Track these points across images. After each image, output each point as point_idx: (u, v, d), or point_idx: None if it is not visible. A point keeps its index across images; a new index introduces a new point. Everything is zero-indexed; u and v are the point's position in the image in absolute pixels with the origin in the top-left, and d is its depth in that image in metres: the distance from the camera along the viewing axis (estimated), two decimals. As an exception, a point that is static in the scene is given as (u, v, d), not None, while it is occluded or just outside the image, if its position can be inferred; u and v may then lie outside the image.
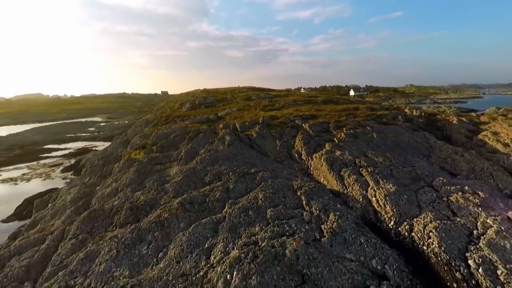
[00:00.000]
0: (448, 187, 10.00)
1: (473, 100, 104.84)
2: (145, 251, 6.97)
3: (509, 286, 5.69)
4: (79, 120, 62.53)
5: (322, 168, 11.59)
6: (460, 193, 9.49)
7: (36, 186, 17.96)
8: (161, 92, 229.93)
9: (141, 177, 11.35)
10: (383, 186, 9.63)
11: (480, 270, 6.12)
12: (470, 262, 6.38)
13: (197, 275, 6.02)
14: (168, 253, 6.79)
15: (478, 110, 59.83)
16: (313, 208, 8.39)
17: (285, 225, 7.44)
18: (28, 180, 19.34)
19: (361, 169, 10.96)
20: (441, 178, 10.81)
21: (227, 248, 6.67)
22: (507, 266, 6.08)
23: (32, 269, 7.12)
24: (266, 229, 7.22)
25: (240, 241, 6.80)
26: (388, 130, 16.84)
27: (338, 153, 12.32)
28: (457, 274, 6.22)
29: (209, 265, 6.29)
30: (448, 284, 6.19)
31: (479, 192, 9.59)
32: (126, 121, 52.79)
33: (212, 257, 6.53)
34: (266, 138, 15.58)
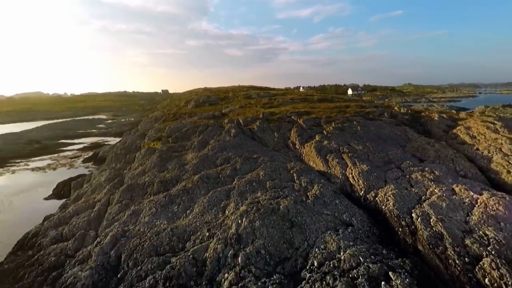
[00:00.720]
0: (412, 168, 12.49)
1: (468, 99, 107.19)
2: (176, 209, 9.42)
3: (435, 227, 8.14)
4: (87, 117, 64.93)
5: (311, 154, 14.06)
6: (420, 172, 11.98)
7: (63, 173, 20.38)
8: (162, 90, 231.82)
9: (163, 161, 13.80)
10: (358, 166, 12.11)
11: (419, 219, 8.60)
12: (413, 215, 8.87)
13: (217, 222, 8.48)
14: (194, 210, 9.25)
15: (469, 108, 62.29)
16: (302, 182, 10.86)
17: (280, 192, 9.90)
18: (55, 168, 21.78)
19: (343, 154, 13.45)
20: (409, 162, 13.29)
21: (237, 206, 9.13)
22: (438, 216, 8.53)
23: (91, 223, 9.56)
24: (266, 194, 9.68)
25: (247, 201, 9.26)
26: (372, 125, 19.29)
27: (325, 142, 14.80)
28: (403, 222, 8.71)
29: (225, 216, 8.76)
30: (396, 229, 8.67)
31: (436, 172, 12.09)
32: (132, 119, 55.22)
33: (226, 211, 8.99)
34: (266, 131, 18.05)
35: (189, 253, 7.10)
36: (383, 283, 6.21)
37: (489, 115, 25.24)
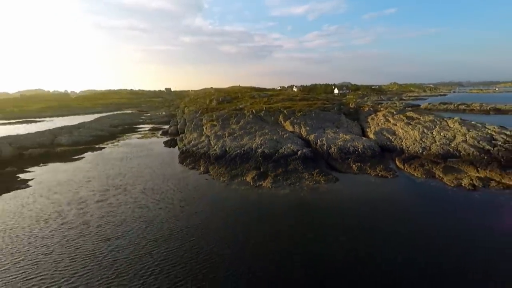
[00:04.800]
0: (329, 129, 30.37)
1: (436, 97, 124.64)
2: (238, 140, 27.00)
3: (323, 142, 25.93)
4: (126, 111, 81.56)
5: (288, 125, 31.76)
6: (330, 130, 29.86)
7: (155, 139, 37.54)
8: (165, 89, 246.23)
9: (222, 127, 31.30)
10: (306, 128, 29.80)
11: (319, 141, 26.45)
12: (318, 140, 26.78)
13: (253, 141, 26.07)
14: (244, 140, 26.82)
15: (420, 104, 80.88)
16: (282, 133, 28.51)
17: (273, 135, 27.53)
18: (150, 137, 38.96)
19: (301, 124, 31.10)
20: (330, 128, 31.14)
21: (259, 138, 26.70)
22: (326, 140, 26.39)
23: (208, 144, 27.03)
24: (268, 135, 27.26)
25: (262, 137, 26.81)
26: (323, 113, 36.97)
27: (295, 120, 32.49)
28: (315, 142, 26.63)
29: (255, 141, 26.31)
30: (312, 144, 26.49)
31: (337, 130, 29.98)
32: (164, 112, 72.11)
33: (255, 140, 26.57)
34: (267, 116, 35.68)
35: (247, 146, 24.64)
36: (299, 150, 23.88)
37: (392, 107, 43.31)
